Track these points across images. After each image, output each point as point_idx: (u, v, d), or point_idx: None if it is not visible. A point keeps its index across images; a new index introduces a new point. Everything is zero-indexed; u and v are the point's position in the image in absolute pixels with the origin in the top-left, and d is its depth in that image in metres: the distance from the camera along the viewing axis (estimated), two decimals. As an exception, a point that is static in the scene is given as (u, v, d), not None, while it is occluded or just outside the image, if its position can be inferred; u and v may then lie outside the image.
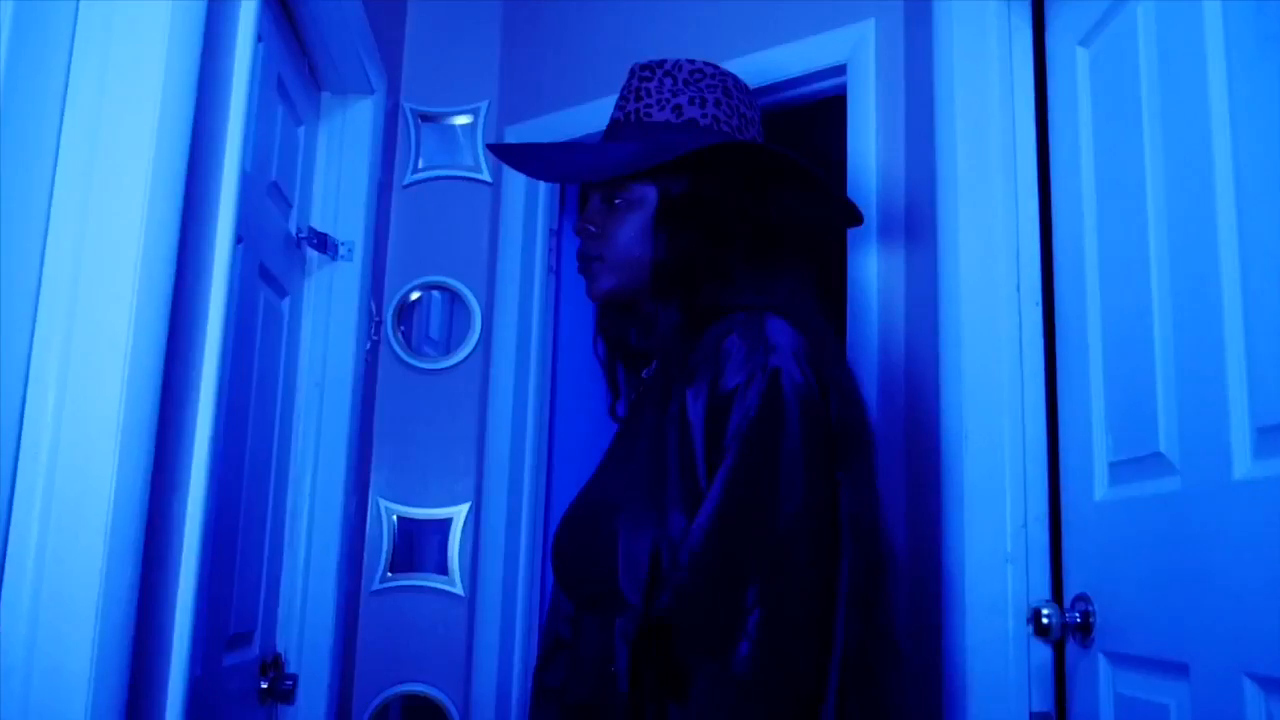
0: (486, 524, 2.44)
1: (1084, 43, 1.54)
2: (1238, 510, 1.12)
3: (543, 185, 2.56)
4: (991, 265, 1.63)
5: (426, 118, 2.61)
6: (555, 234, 2.60)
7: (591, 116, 2.41)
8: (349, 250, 2.21)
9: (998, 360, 1.60)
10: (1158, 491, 1.29)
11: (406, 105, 2.60)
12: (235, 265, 1.72)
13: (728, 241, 1.31)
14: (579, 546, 1.25)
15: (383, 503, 2.49)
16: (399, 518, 2.50)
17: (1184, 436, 1.24)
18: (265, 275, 1.91)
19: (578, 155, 1.46)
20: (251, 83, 1.53)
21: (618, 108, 1.41)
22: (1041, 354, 1.61)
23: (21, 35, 1.02)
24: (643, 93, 1.38)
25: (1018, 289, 1.62)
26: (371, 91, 2.25)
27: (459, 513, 2.49)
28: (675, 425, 1.17)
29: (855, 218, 1.53)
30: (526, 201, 2.52)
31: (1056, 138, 1.62)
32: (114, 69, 1.14)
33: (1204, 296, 1.20)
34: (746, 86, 1.43)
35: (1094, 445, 1.46)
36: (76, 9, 1.13)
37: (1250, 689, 1.09)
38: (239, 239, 1.72)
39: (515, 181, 2.52)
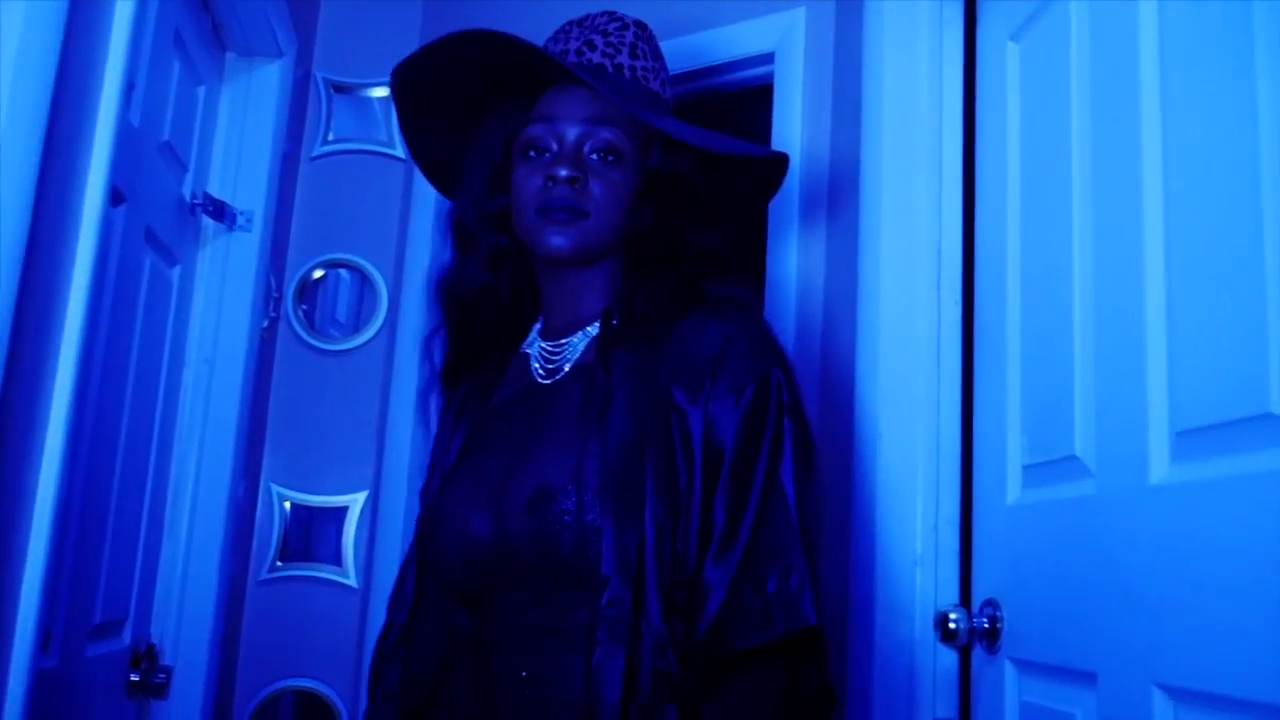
0: (384, 514, 2.33)
1: (1015, 38, 1.51)
2: (1153, 515, 1.09)
3: (458, 165, 2.47)
4: (912, 262, 1.59)
5: (340, 88, 2.50)
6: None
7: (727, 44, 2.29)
8: (248, 220, 2.09)
9: (914, 358, 1.56)
10: (1072, 495, 1.25)
11: (319, 74, 2.48)
12: (116, 226, 1.61)
13: (713, 223, 1.27)
14: (544, 533, 1.10)
15: (275, 488, 2.37)
16: (292, 504, 2.38)
17: (1101, 439, 1.21)
18: (152, 240, 1.80)
19: (604, 86, 1.24)
20: (137, 29, 1.43)
21: (601, 52, 1.28)
22: (959, 353, 1.57)
23: None
24: (639, 52, 1.30)
25: (938, 286, 1.58)
26: (280, 55, 2.14)
27: (356, 501, 2.38)
28: (661, 413, 1.11)
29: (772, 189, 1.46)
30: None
31: (984, 134, 1.59)
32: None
33: (1126, 298, 1.16)
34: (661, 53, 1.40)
35: (1008, 447, 1.42)
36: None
37: (1159, 699, 1.06)
38: (121, 198, 1.61)
39: (429, 159, 2.41)
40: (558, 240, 1.21)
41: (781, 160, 1.35)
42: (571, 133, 1.23)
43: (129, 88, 1.58)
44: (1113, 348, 1.19)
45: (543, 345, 1.28)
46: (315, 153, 2.46)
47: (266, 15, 2.01)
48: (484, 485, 1.18)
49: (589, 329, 1.25)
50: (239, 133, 2.11)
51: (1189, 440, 1.05)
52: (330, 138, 2.48)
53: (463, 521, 1.17)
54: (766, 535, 1.07)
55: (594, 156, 1.23)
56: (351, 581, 2.35)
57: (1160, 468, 1.09)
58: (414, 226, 2.42)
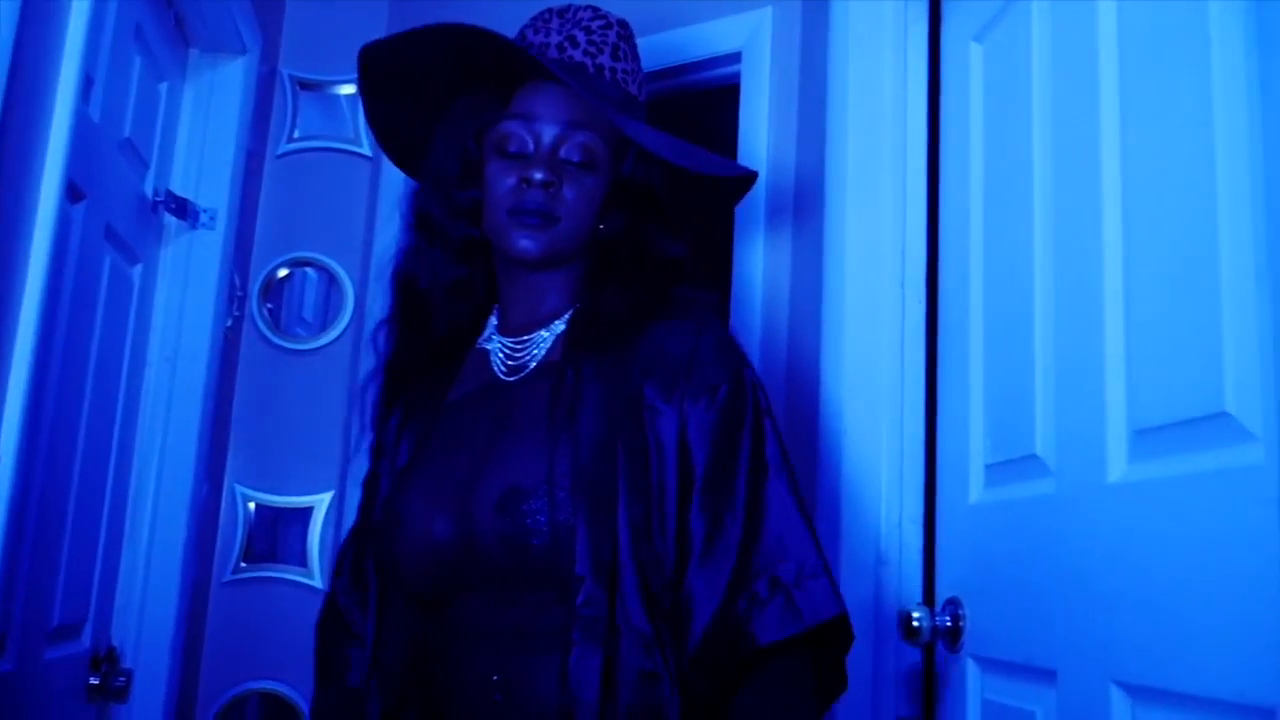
0: (350, 514, 2.30)
1: (978, 39, 1.52)
2: (1111, 514, 1.10)
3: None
4: (878, 260, 1.60)
5: (306, 85, 2.48)
6: (437, 215, 2.49)
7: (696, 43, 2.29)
8: (211, 218, 2.07)
9: (879, 357, 1.56)
10: (1032, 494, 1.26)
11: (284, 71, 2.46)
12: (74, 223, 1.59)
13: (680, 232, 1.27)
14: (515, 534, 1.08)
15: (239, 489, 2.35)
16: (256, 505, 2.36)
17: (1060, 438, 1.21)
18: (113, 237, 1.77)
19: (587, 90, 1.22)
20: (96, 23, 1.41)
21: (583, 50, 1.25)
22: (923, 353, 1.58)
23: None
24: (621, 53, 1.27)
25: (902, 285, 1.59)
26: (244, 51, 2.12)
27: (321, 502, 2.36)
28: (633, 413, 1.10)
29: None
30: (407, 178, 2.40)
31: (948, 134, 1.59)
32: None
33: (1086, 298, 1.17)
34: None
35: (971, 446, 1.43)
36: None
37: (1118, 696, 1.06)
38: (80, 195, 1.59)
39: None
40: (527, 244, 1.19)
41: (751, 176, 1.35)
42: (548, 134, 1.20)
43: (88, 83, 1.56)
44: (1072, 347, 1.20)
45: (503, 341, 1.25)
46: (281, 150, 2.44)
47: (230, 11, 1.99)
48: (447, 486, 1.14)
49: (554, 326, 1.23)
50: (202, 129, 2.09)
51: (1146, 439, 1.06)
52: (296, 135, 2.46)
53: (425, 524, 1.13)
54: (769, 532, 1.06)
55: (570, 161, 1.21)
56: (317, 583, 2.33)
57: (1118, 466, 1.10)
58: (381, 225, 2.40)
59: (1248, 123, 0.90)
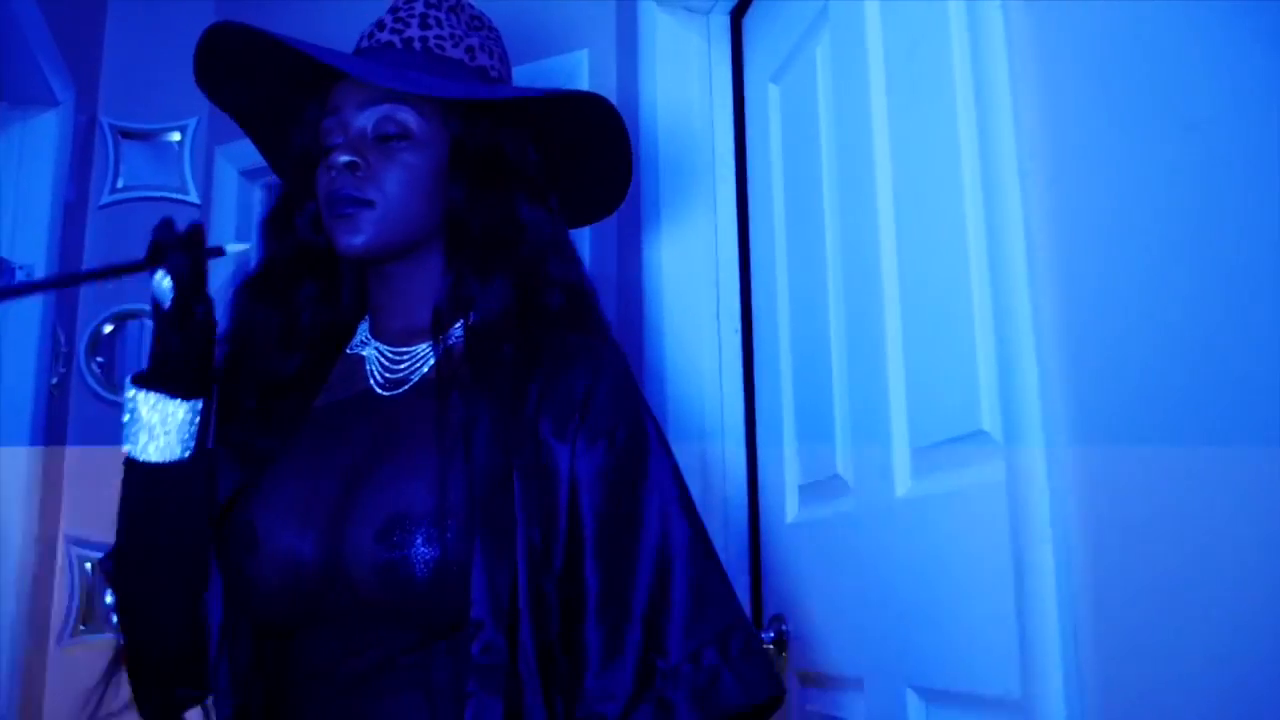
0: (120, 630, 2.26)
1: (775, 79, 1.60)
2: (900, 528, 1.17)
3: (257, 206, 2.43)
4: (694, 293, 1.66)
5: (128, 134, 2.43)
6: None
7: (309, 138, 2.30)
8: (28, 274, 2.01)
9: (699, 385, 1.63)
10: (837, 512, 1.33)
11: (104, 120, 2.40)
12: None
13: (547, 200, 1.13)
14: (399, 567, 0.96)
15: (75, 550, 2.27)
16: (93, 565, 2.28)
17: (857, 458, 1.29)
18: (-84, 302, 1.71)
19: (370, 64, 1.13)
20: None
21: (389, 30, 1.17)
22: (741, 380, 1.65)
23: None
24: (430, 21, 1.17)
25: (717, 316, 1.65)
26: (56, 103, 2.07)
27: (163, 558, 2.30)
28: (530, 444, 1.01)
29: (619, 201, 1.35)
30: (239, 223, 2.38)
31: (754, 170, 1.67)
32: None
33: (870, 324, 1.25)
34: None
35: (786, 468, 1.50)
36: None
37: (913, 700, 1.13)
38: (-128, 261, 1.53)
39: (226, 203, 2.38)
40: (346, 238, 1.08)
41: (599, 104, 1.20)
42: (355, 120, 1.11)
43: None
44: (862, 371, 1.28)
45: (380, 349, 1.13)
46: (104, 200, 2.38)
47: (38, 63, 1.94)
48: (315, 504, 1.02)
49: (450, 335, 1.10)
50: (13, 184, 2.03)
51: (924, 456, 1.14)
52: (120, 185, 2.40)
53: (285, 544, 1.01)
54: (682, 595, 0.97)
55: (382, 137, 1.10)
56: (161, 641, 2.27)
57: (904, 482, 1.17)
58: (212, 273, 2.37)
59: (982, 172, 0.98)
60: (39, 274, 2.02)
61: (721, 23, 1.77)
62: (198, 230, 1.07)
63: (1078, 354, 0.80)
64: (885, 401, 1.21)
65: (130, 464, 1.04)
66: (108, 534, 2.31)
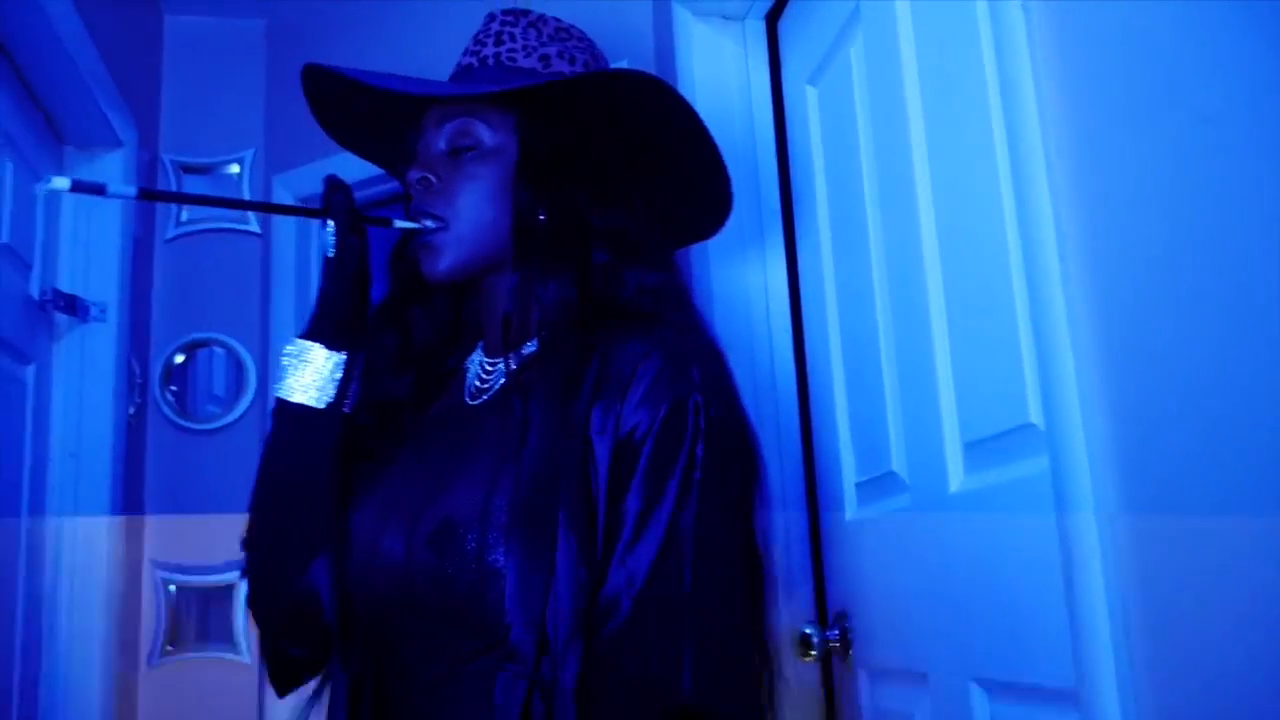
0: (247, 585, 2.33)
1: (812, 82, 1.61)
2: (956, 522, 1.18)
3: (315, 233, 2.50)
4: (744, 296, 1.68)
5: (189, 169, 2.51)
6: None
7: (362, 163, 2.36)
8: (102, 311, 2.10)
9: (752, 389, 1.64)
10: (894, 508, 1.34)
11: (166, 157, 2.49)
12: (-44, 335, 1.61)
13: (625, 203, 1.10)
14: (435, 577, 0.97)
15: (159, 573, 2.36)
16: (177, 587, 2.37)
17: (911, 455, 1.30)
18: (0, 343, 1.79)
19: (429, 84, 1.16)
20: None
21: (469, 53, 1.19)
22: (793, 380, 1.66)
23: None
24: (504, 37, 1.17)
25: (768, 320, 1.67)
26: (120, 144, 2.15)
27: (242, 579, 2.37)
28: (579, 444, 0.96)
29: (719, 221, 1.30)
30: (298, 250, 2.45)
31: (797, 173, 1.68)
32: None
33: (916, 321, 1.26)
34: (606, 60, 1.24)
35: (843, 466, 1.51)
36: None
37: (976, 693, 1.14)
38: (-42, 307, 1.61)
39: (285, 231, 2.45)
40: (429, 266, 1.09)
41: (660, 92, 1.12)
42: (433, 138, 1.12)
43: (-43, 197, 1.59)
44: (911, 368, 1.29)
45: (480, 361, 1.14)
46: (170, 235, 2.47)
47: (100, 107, 2.02)
48: (395, 509, 1.04)
49: (524, 348, 1.10)
50: (85, 224, 2.12)
51: (975, 451, 1.14)
52: (184, 218, 2.49)
53: (366, 546, 1.03)
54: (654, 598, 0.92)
55: (453, 151, 1.10)
56: (245, 659, 2.34)
57: (957, 477, 1.18)
58: (276, 299, 2.44)
59: (1012, 166, 0.98)
60: (111, 310, 2.10)
61: (757, 28, 1.79)
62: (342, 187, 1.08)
63: (1113, 343, 0.81)
64: (935, 398, 1.21)
65: (277, 403, 1.06)
66: (188, 556, 2.40)
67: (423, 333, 1.16)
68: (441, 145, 1.11)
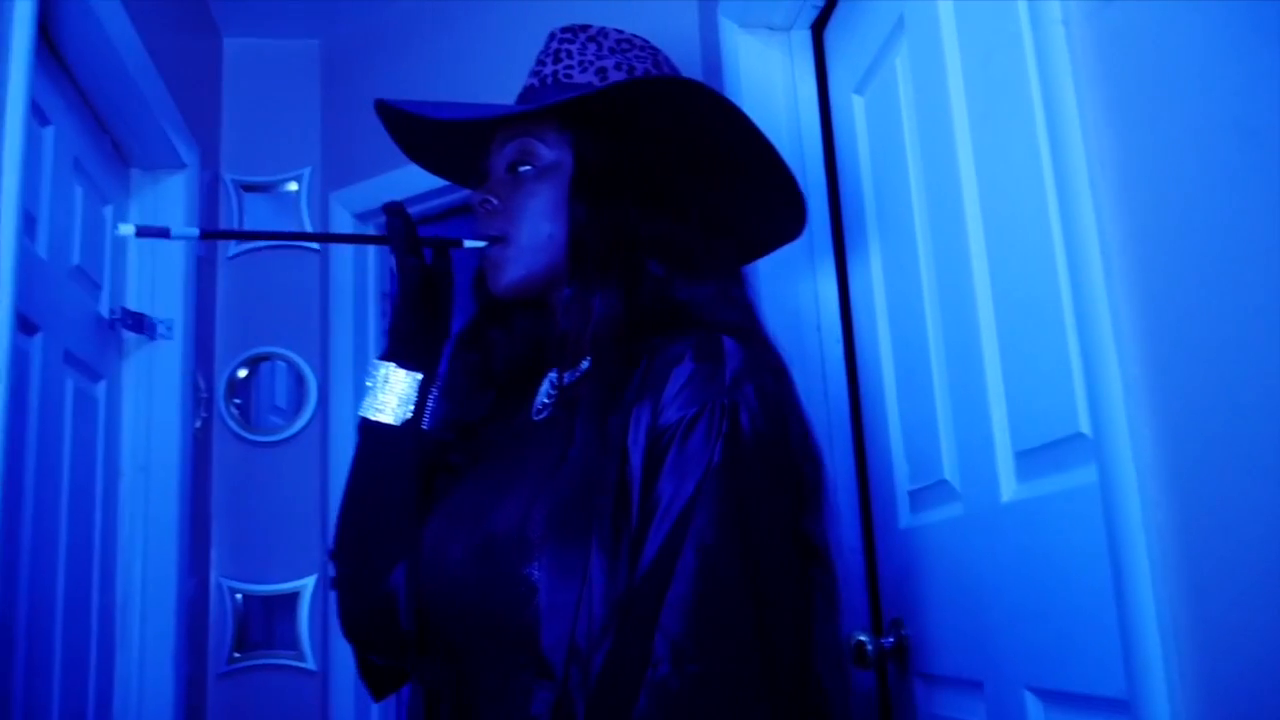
0: (335, 595, 2.39)
1: (858, 90, 1.62)
2: (1008, 531, 1.18)
3: (373, 249, 2.55)
4: (794, 306, 1.69)
5: (249, 188, 2.58)
6: (388, 296, 2.58)
7: (416, 178, 2.40)
8: (168, 328, 2.16)
9: (804, 397, 1.64)
10: (946, 517, 1.34)
11: (227, 176, 2.56)
12: (32, 354, 1.68)
13: (676, 215, 1.09)
14: (472, 590, 0.99)
15: (225, 582, 2.42)
16: (244, 596, 2.43)
17: (963, 463, 1.30)
18: (72, 361, 1.86)
19: (481, 108, 1.19)
20: (32, 164, 1.50)
21: (532, 73, 1.20)
22: (845, 389, 1.67)
23: None
24: (562, 54, 1.18)
25: (818, 328, 1.68)
26: (183, 166, 2.22)
27: (306, 586, 2.44)
28: (616, 459, 0.95)
29: (800, 221, 1.29)
30: (356, 265, 2.50)
31: (845, 181, 1.69)
32: None
33: (965, 329, 1.26)
34: (677, 68, 1.24)
35: (895, 475, 1.51)
36: None
37: (1032, 702, 1.14)
38: (34, 327, 1.67)
39: (343, 247, 2.50)
40: (493, 282, 1.12)
41: (710, 101, 1.11)
42: (497, 160, 1.15)
43: (30, 220, 1.65)
44: (961, 376, 1.29)
45: (551, 377, 1.15)
46: (231, 252, 2.54)
47: (164, 130, 2.09)
48: (456, 522, 1.05)
49: (582, 363, 1.09)
50: (151, 244, 2.18)
51: (1027, 460, 1.14)
52: (245, 236, 2.55)
53: (431, 557, 1.05)
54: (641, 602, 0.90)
55: (511, 168, 1.13)
56: (310, 665, 2.40)
57: (1009, 487, 1.18)
58: (334, 312, 2.50)
59: (1055, 174, 0.99)
60: (177, 327, 2.17)
61: (803, 38, 1.80)
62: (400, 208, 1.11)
63: (1159, 352, 0.81)
64: (985, 406, 1.22)
65: (359, 421, 1.12)
66: (254, 565, 2.46)
67: (502, 352, 1.19)
68: (503, 165, 1.14)
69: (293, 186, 2.59)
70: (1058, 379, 1.06)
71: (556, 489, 0.98)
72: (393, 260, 1.11)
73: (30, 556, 1.65)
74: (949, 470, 1.34)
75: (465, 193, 2.33)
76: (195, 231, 1.10)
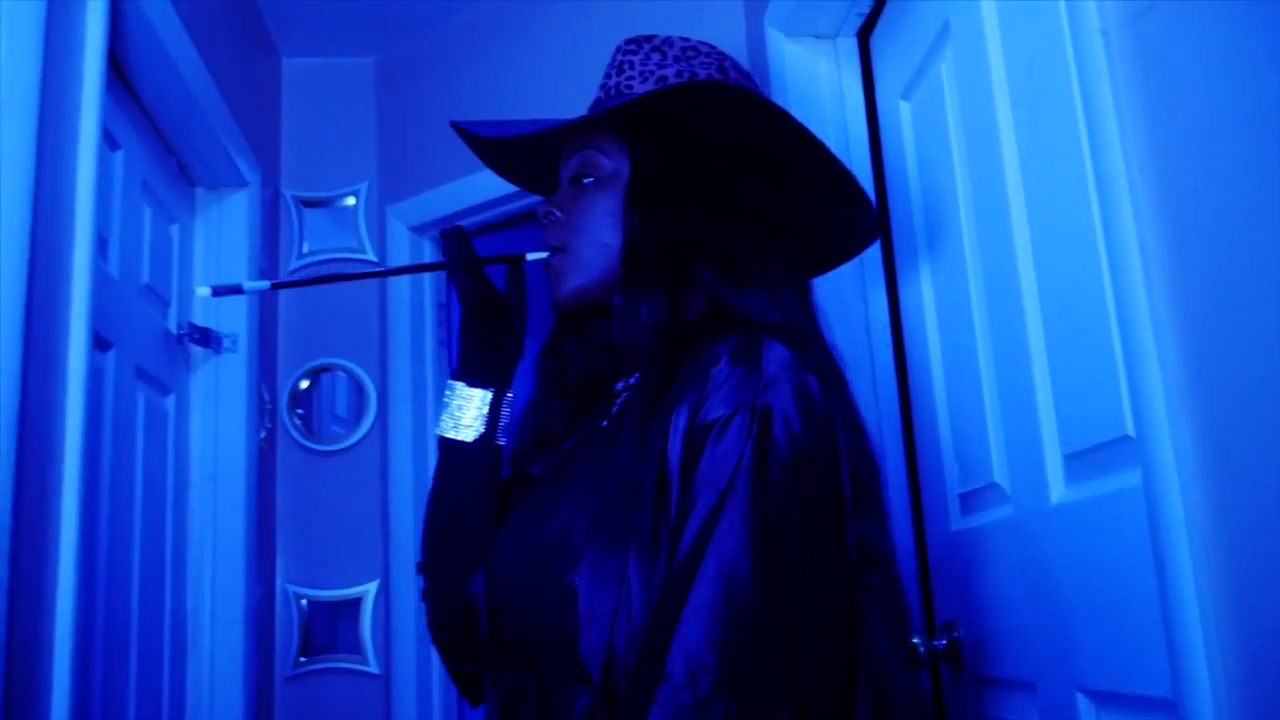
0: (396, 600, 2.45)
1: (905, 96, 1.63)
2: (1057, 533, 1.19)
3: (427, 259, 2.61)
4: (844, 310, 1.70)
5: (308, 203, 2.65)
6: (444, 307, 2.64)
7: (471, 190, 2.46)
8: (234, 342, 2.23)
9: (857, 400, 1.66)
10: (997, 519, 1.35)
11: (287, 192, 2.63)
12: (106, 370, 1.74)
13: (730, 221, 1.08)
14: (525, 598, 1.00)
15: (290, 588, 2.49)
16: (308, 601, 2.49)
17: (1012, 466, 1.31)
18: (143, 376, 1.93)
19: (534, 124, 1.20)
20: (103, 186, 1.56)
21: (600, 86, 1.22)
22: (895, 392, 1.68)
23: None
24: (625, 66, 1.19)
25: (868, 331, 1.69)
26: (245, 184, 2.29)
27: (368, 591, 2.49)
28: (654, 464, 0.94)
29: (871, 228, 1.26)
30: (413, 277, 2.56)
31: (892, 186, 1.70)
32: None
33: (1013, 332, 1.27)
34: (749, 73, 1.24)
35: (946, 477, 1.52)
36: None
37: (1083, 703, 1.15)
38: (107, 344, 1.74)
39: (399, 257, 2.56)
40: (554, 291, 1.14)
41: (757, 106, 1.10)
42: (564, 174, 1.17)
43: (102, 242, 1.72)
44: (1010, 379, 1.30)
45: (617, 386, 1.15)
46: (292, 266, 2.61)
47: (226, 150, 2.15)
48: (524, 527, 1.07)
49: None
50: (215, 260, 2.25)
51: (1075, 463, 1.15)
52: (305, 250, 2.62)
53: (505, 562, 1.06)
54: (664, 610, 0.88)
55: (572, 182, 1.14)
56: (373, 668, 2.46)
57: (1058, 489, 1.19)
58: (392, 323, 2.56)
59: (1096, 181, 1.00)
60: (242, 340, 2.23)
61: (849, 45, 1.81)
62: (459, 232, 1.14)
63: (1201, 356, 0.82)
64: (1034, 409, 1.22)
65: (438, 439, 1.15)
66: (318, 571, 2.52)
67: (577, 363, 1.19)
68: (568, 177, 1.15)
69: (350, 201, 2.65)
70: (1105, 381, 1.06)
71: (599, 497, 0.98)
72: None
73: (107, 565, 1.71)
74: (999, 473, 1.35)
75: (525, 200, 2.39)
76: (266, 284, 1.16)
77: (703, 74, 1.17)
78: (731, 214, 1.09)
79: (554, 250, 1.13)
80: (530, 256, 1.14)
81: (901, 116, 1.64)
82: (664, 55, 1.18)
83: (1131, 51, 0.86)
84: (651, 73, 1.17)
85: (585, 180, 1.13)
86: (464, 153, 2.58)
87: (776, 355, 0.95)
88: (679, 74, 1.16)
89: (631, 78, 1.18)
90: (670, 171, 1.10)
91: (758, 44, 1.90)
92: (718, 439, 0.91)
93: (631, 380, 1.09)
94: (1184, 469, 0.82)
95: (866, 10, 1.75)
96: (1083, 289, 1.10)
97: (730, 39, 1.99)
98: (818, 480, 0.93)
